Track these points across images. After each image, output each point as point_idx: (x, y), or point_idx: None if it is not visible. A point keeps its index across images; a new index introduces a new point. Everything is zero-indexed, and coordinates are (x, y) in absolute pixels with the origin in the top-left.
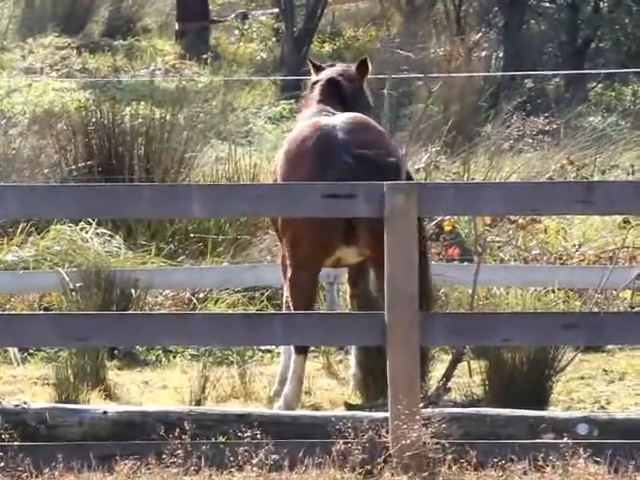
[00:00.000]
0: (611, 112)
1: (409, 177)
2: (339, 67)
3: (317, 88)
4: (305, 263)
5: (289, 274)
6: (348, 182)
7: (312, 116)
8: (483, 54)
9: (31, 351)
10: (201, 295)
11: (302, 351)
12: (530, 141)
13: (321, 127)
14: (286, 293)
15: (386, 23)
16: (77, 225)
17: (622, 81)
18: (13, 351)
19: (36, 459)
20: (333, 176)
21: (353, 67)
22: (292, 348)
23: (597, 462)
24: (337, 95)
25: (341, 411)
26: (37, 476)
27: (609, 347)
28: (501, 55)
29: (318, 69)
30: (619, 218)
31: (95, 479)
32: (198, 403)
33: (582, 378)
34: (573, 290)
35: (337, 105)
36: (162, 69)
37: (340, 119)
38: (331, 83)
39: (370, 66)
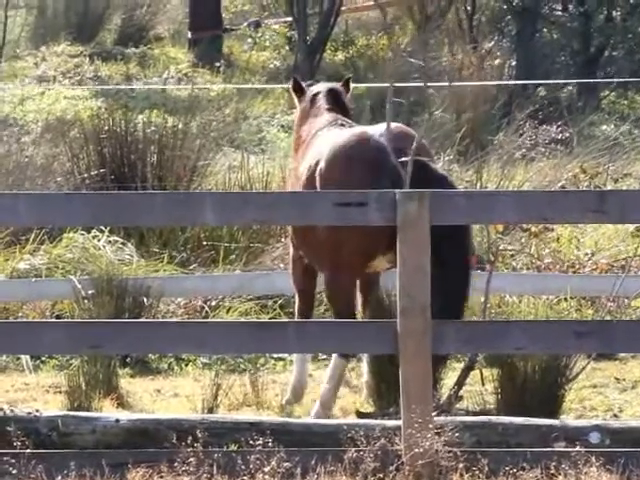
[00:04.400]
0: (624, 120)
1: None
2: (326, 84)
3: (321, 98)
4: (346, 268)
5: (328, 278)
6: (369, 190)
7: (331, 124)
8: (496, 63)
9: (43, 359)
10: (213, 303)
11: (345, 354)
12: (543, 150)
13: (369, 136)
14: (336, 298)
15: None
16: (89, 233)
17: (635, 89)
18: (25, 359)
19: (48, 467)
20: (386, 185)
21: (338, 85)
22: None
23: (609, 471)
24: (339, 104)
25: (353, 419)
26: None
27: (622, 355)
28: (514, 64)
29: (301, 89)
30: (632, 227)
31: None
32: (210, 411)
33: (594, 386)
34: (585, 298)
35: (341, 114)
36: (175, 77)
37: (384, 128)
38: (333, 92)
39: (351, 86)
